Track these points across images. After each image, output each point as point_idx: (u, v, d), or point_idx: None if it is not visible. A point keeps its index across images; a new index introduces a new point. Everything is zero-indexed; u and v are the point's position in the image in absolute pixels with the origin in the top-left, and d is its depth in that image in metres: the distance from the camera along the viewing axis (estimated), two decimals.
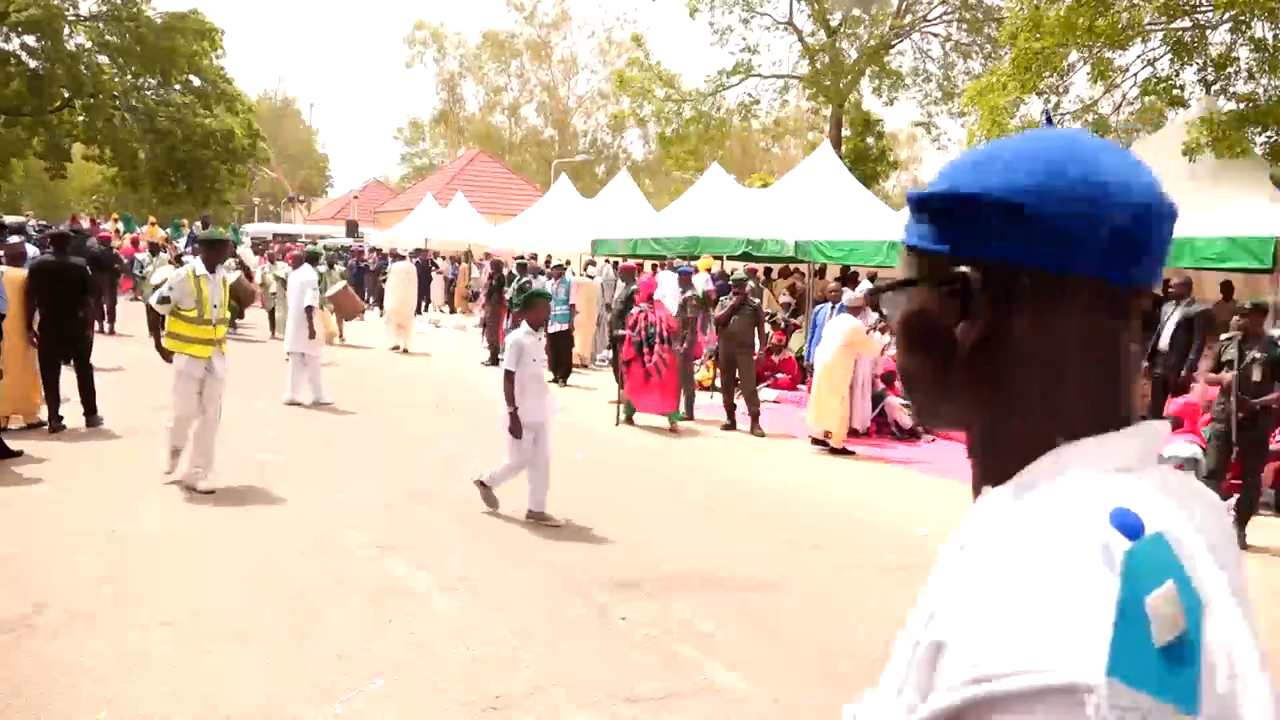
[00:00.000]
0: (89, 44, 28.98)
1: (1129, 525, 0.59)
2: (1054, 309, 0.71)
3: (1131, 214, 0.69)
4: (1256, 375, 6.28)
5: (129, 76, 29.72)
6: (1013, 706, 0.55)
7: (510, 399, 5.80)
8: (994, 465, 0.75)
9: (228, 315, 6.77)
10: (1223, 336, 6.93)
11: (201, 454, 6.24)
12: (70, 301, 7.76)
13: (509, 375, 5.81)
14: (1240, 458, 6.57)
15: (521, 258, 16.77)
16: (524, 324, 6.03)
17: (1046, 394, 0.72)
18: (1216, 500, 0.76)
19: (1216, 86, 12.01)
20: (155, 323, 6.36)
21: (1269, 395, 6.23)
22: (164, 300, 6.14)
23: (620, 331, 10.07)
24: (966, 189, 0.73)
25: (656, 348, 9.50)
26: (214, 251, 6.43)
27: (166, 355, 6.20)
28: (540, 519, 5.89)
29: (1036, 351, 0.72)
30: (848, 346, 8.88)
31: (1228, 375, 6.39)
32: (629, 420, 9.82)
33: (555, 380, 11.86)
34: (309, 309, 9.82)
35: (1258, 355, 6.28)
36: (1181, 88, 12.93)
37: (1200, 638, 0.56)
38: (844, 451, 8.93)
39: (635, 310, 9.93)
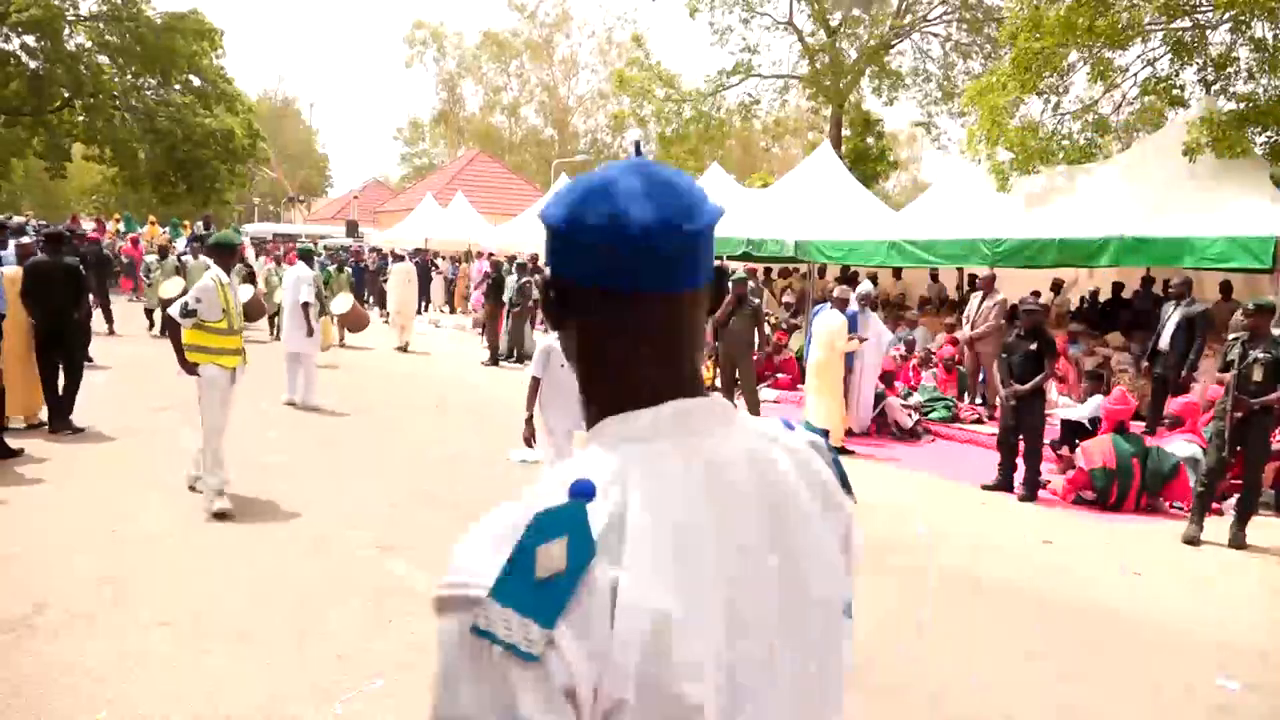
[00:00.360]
0: (89, 44, 28.89)
1: (581, 490, 0.81)
2: (588, 314, 0.90)
3: (630, 237, 0.85)
4: (1257, 375, 6.27)
5: (129, 76, 29.62)
6: (448, 606, 0.77)
7: (528, 405, 5.51)
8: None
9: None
10: (1230, 336, 6.93)
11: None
12: (64, 302, 7.74)
13: (534, 380, 5.49)
14: (1240, 457, 6.58)
15: (514, 258, 16.77)
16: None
17: (595, 379, 0.93)
18: (788, 457, 0.95)
19: (1216, 86, 11.98)
20: (174, 334, 5.93)
21: (1270, 395, 6.23)
22: (190, 313, 5.74)
23: None
24: (541, 216, 0.92)
25: None
26: (226, 257, 6.16)
27: (191, 368, 5.84)
28: None
29: (586, 347, 0.92)
30: (836, 347, 8.87)
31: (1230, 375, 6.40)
32: None
33: None
34: (305, 305, 9.80)
35: (1260, 355, 6.28)
36: (1181, 88, 12.90)
37: (579, 578, 0.76)
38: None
39: None
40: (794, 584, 0.90)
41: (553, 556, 0.76)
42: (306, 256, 10.72)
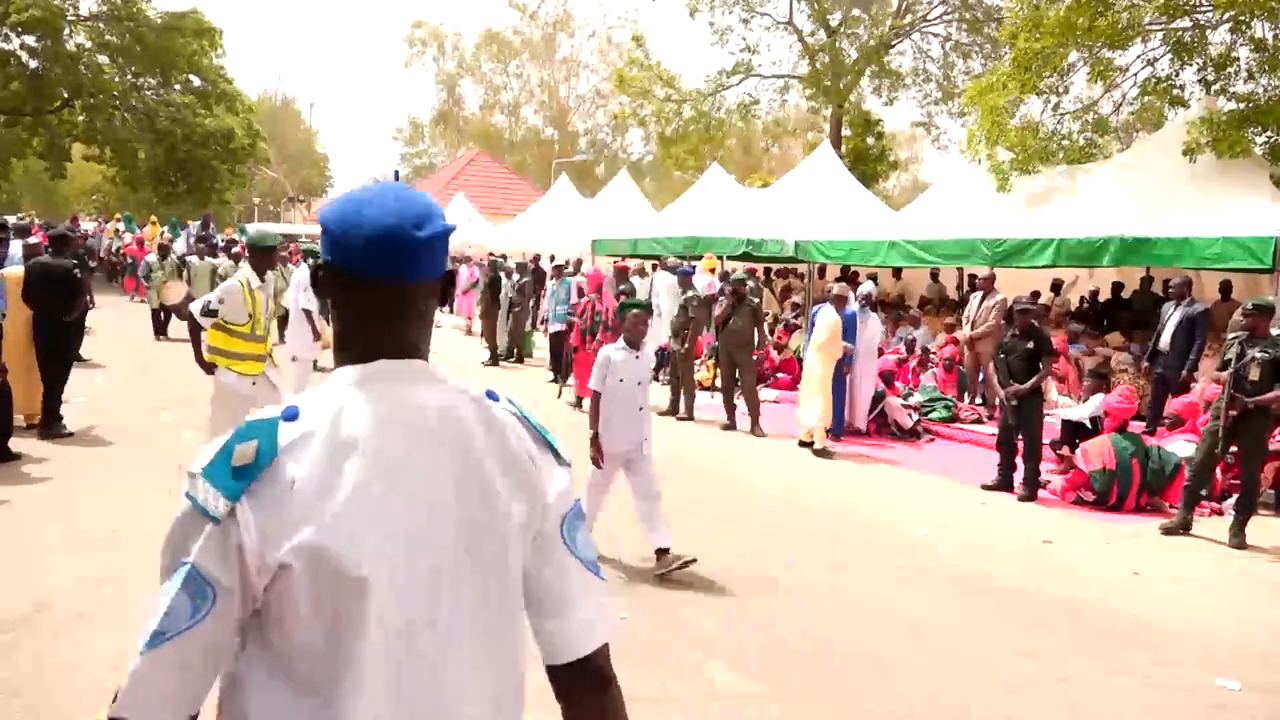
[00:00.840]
0: (89, 44, 28.86)
1: (288, 414, 1.12)
2: (339, 290, 1.21)
3: (363, 235, 1.16)
4: (1254, 375, 6.28)
5: (129, 76, 29.60)
6: (186, 477, 1.10)
7: (593, 421, 5.07)
8: None
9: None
10: (1229, 336, 6.93)
11: None
12: (57, 303, 7.69)
13: (594, 395, 5.12)
14: (1238, 457, 6.57)
15: (504, 257, 16.73)
16: (622, 338, 5.22)
17: (339, 339, 1.23)
18: (477, 413, 1.22)
19: (1216, 86, 11.98)
20: (194, 332, 5.88)
21: (1268, 395, 6.22)
22: (210, 313, 5.55)
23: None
24: (319, 215, 1.24)
25: (599, 335, 9.60)
26: (264, 258, 5.84)
27: (208, 368, 5.71)
28: (667, 560, 5.12)
29: (339, 312, 1.22)
30: (823, 346, 8.85)
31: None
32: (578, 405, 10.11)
33: (555, 379, 11.88)
34: (306, 312, 9.76)
35: (1257, 354, 6.28)
36: (1181, 88, 12.89)
37: (262, 471, 1.07)
38: (822, 452, 8.81)
39: (583, 299, 10.30)
40: (466, 509, 1.17)
41: (245, 453, 1.08)
42: (310, 258, 10.70)
